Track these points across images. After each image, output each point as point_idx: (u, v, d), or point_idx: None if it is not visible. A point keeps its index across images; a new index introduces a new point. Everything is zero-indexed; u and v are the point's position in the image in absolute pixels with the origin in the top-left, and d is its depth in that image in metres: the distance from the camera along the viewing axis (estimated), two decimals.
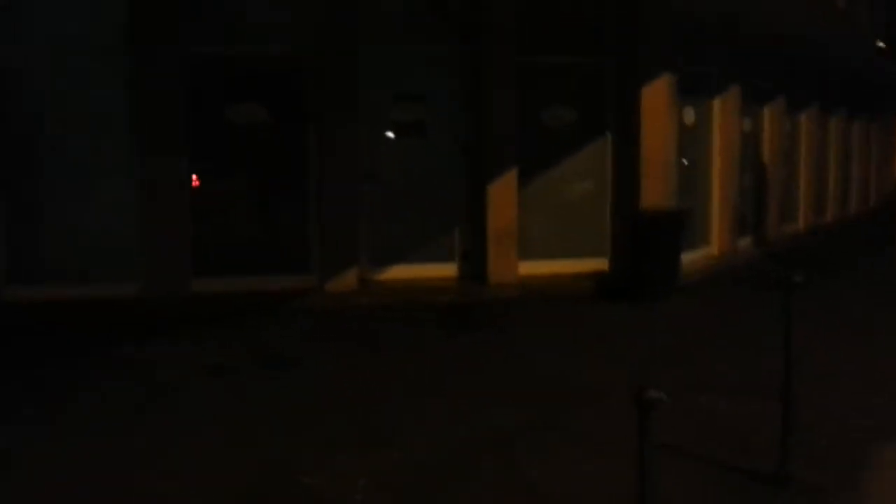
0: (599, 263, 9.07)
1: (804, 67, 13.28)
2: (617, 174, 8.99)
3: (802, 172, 13.89)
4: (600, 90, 9.04)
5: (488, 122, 8.45)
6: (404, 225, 8.64)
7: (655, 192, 8.69)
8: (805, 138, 13.91)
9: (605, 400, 4.86)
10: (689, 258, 9.14)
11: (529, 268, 8.78)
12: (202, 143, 7.90)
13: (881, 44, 14.17)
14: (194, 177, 7.90)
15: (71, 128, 7.63)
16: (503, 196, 8.49)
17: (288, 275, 8.12)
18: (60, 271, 7.63)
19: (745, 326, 6.93)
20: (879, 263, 10.97)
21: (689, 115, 9.90)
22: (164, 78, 7.65)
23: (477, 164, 8.59)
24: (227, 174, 8.15)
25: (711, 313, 7.60)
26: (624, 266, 8.47)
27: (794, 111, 13.29)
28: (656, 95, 8.64)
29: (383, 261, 8.55)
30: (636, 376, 5.37)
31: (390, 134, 8.65)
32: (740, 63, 10.64)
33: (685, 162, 9.84)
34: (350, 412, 4.74)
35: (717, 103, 10.43)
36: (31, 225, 7.71)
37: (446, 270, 8.77)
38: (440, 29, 8.61)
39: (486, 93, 8.44)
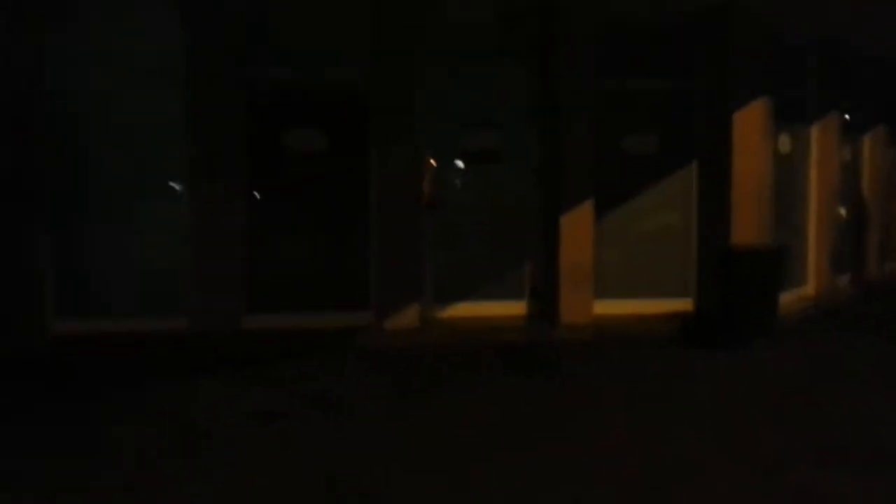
0: (684, 304, 8.30)
1: None
2: (704, 206, 8.22)
3: None
4: (687, 115, 8.31)
5: (563, 150, 7.82)
6: (470, 259, 8.05)
7: (748, 226, 7.88)
8: None
9: (703, 474, 4.12)
10: (784, 299, 8.27)
11: (605, 307, 8.07)
12: (258, 171, 7.51)
13: None
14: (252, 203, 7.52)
15: (123, 154, 7.34)
16: (578, 228, 7.82)
17: (345, 312, 7.62)
18: (108, 304, 7.30)
19: (853, 380, 6.06)
20: None
21: (785, 144, 9.06)
22: (222, 103, 7.31)
23: (550, 194, 7.96)
24: (284, 204, 7.71)
25: (814, 364, 6.71)
26: (713, 307, 7.67)
27: (893, 141, 12.22)
28: (749, 121, 7.86)
29: (447, 297, 7.98)
30: (735, 442, 4.61)
31: (459, 162, 8.11)
32: (839, 88, 9.75)
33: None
34: (407, 469, 4.13)
35: (814, 131, 9.54)
36: (80, 256, 7.40)
37: (515, 308, 8.12)
38: (513, 50, 8.07)
39: (562, 118, 7.82)
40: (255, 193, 7.54)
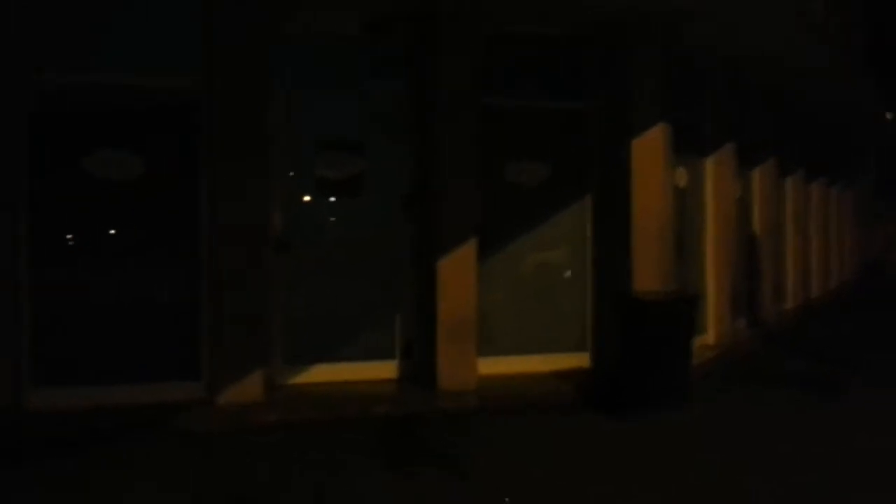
0: (580, 360, 7.20)
1: (796, 127, 11.91)
2: (602, 247, 7.18)
3: (789, 243, 12.37)
4: (582, 141, 7.28)
5: (441, 178, 6.57)
6: (328, 311, 6.62)
7: (650, 270, 6.89)
8: (791, 205, 12.44)
9: None
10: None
11: (491, 366, 6.83)
12: (49, 206, 5.82)
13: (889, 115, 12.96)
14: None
15: None
16: (458, 274, 6.56)
17: (167, 383, 5.98)
18: None
19: (786, 453, 5.07)
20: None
21: (681, 177, 8.21)
22: None
23: (425, 231, 6.67)
24: (84, 245, 6.03)
25: (737, 431, 5.71)
26: (614, 364, 6.57)
27: (782, 175, 11.82)
28: (650, 150, 6.92)
29: (300, 360, 6.50)
30: None
31: (311, 193, 6.71)
32: (735, 117, 9.09)
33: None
34: None
35: (710, 163, 8.79)
36: None
37: (383, 370, 6.74)
38: (385, 61, 6.81)
39: (439, 140, 6.58)
40: (44, 233, 5.82)
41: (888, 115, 13.30)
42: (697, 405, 6.25)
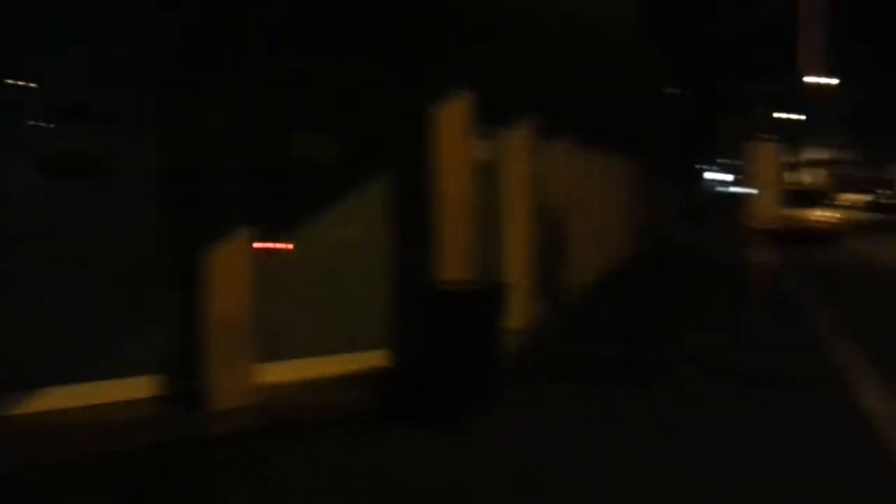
0: (381, 358, 6.35)
1: (594, 103, 11.78)
2: (402, 230, 6.34)
3: (587, 218, 12.34)
4: (379, 113, 6.36)
5: (205, 155, 5.38)
6: (60, 319, 5.23)
7: (455, 255, 6.17)
8: (589, 180, 12.38)
9: None
10: None
11: (277, 373, 5.82)
12: None
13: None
14: None
15: None
16: (228, 268, 5.42)
17: None
18: None
19: (612, 456, 4.55)
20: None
21: (485, 151, 7.58)
22: None
23: (186, 218, 5.46)
24: None
25: (562, 436, 5.15)
26: (418, 364, 5.79)
27: (580, 149, 11.67)
28: (455, 122, 6.15)
29: (31, 382, 5.08)
30: None
31: (43, 173, 5.26)
32: (536, 91, 8.60)
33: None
34: None
35: (512, 137, 8.25)
36: None
37: (138, 389, 5.47)
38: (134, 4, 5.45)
39: (204, 106, 5.37)
40: None
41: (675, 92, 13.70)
42: (510, 406, 5.62)
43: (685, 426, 5.30)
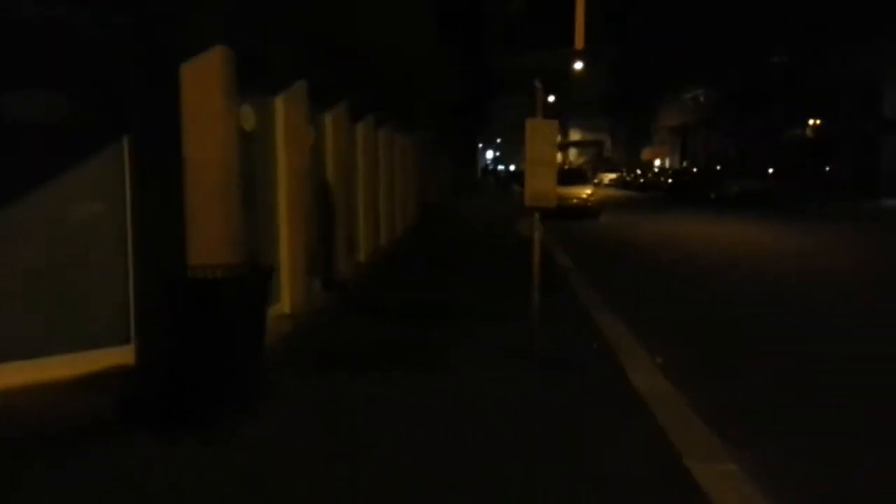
0: (123, 356, 5.44)
1: (368, 73, 11.28)
2: (146, 208, 5.44)
3: (361, 192, 11.90)
4: (111, 66, 5.37)
5: None
6: None
7: (211, 236, 5.41)
8: (361, 152, 11.93)
9: None
10: None
11: None
12: None
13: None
14: None
15: None
16: None
17: None
18: None
19: (390, 461, 4.14)
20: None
21: (248, 118, 6.81)
22: None
23: None
24: None
25: (325, 438, 4.64)
26: (165, 362, 5.00)
27: (352, 121, 11.16)
28: (209, 81, 5.35)
29: None
30: None
31: None
32: (308, 50, 7.93)
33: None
34: None
35: (280, 103, 7.53)
36: None
37: None
38: None
39: None
40: None
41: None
42: (271, 406, 5.03)
43: (455, 415, 5.03)
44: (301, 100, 7.71)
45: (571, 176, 27.25)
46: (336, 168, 9.73)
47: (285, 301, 7.49)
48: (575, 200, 24.15)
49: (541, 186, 6.30)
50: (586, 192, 24.74)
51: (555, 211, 20.59)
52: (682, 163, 58.30)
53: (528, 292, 6.45)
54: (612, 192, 44.00)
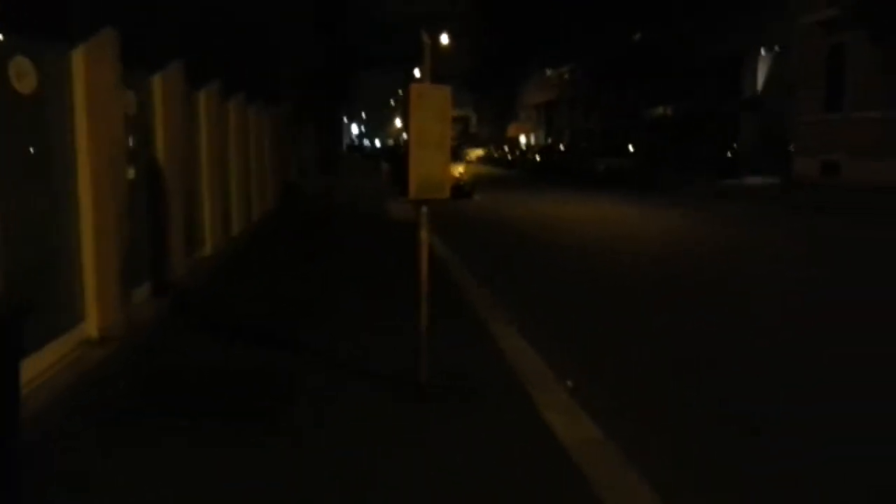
0: None
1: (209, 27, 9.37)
2: None
3: (205, 174, 9.97)
4: None
5: None
6: None
7: None
8: (204, 127, 9.99)
9: None
10: (37, 368, 4.39)
11: None
12: None
13: None
14: None
15: None
16: None
17: None
18: None
19: None
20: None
21: (24, 75, 4.90)
22: None
23: None
24: None
25: None
26: None
27: (189, 88, 9.21)
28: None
29: None
30: None
31: None
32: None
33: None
34: None
35: (80, 58, 5.62)
36: None
37: None
38: None
39: None
40: None
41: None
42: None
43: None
44: (109, 54, 5.81)
45: None
46: (168, 146, 7.82)
47: (91, 321, 5.64)
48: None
49: (430, 172, 4.83)
50: (459, 170, 23.46)
51: None
52: (546, 139, 58.60)
53: (403, 288, 4.99)
54: (480, 168, 43.14)
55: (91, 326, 5.63)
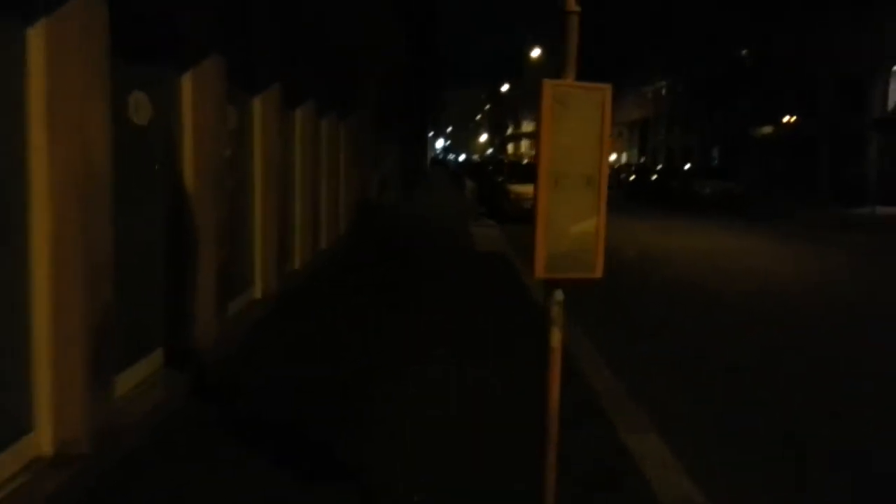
0: None
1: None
2: None
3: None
4: None
5: None
6: None
7: None
8: (267, 140, 8.17)
9: None
10: None
11: None
12: None
13: None
14: None
15: None
16: None
17: None
18: None
19: None
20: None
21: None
22: None
23: None
24: None
25: None
26: None
27: (247, 95, 7.42)
28: None
29: None
30: None
31: None
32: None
33: None
34: None
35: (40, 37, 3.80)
36: None
37: None
38: None
39: None
40: None
41: None
42: None
43: None
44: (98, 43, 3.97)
45: (536, 171, 23.74)
46: (200, 165, 5.97)
47: (43, 435, 3.77)
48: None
49: (570, 232, 2.76)
50: None
51: (516, 213, 16.77)
52: (640, 158, 55.52)
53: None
54: None
55: (43, 440, 3.76)
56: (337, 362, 6.04)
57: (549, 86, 2.73)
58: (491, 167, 35.13)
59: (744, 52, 37.17)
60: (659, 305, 9.42)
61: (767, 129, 34.00)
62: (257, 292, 7.89)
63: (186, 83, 5.64)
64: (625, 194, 37.15)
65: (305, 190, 10.26)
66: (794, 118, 30.90)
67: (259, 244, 8.00)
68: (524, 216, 21.55)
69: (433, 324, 7.46)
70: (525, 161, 41.74)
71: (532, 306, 8.24)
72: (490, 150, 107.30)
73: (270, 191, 8.09)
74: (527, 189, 20.71)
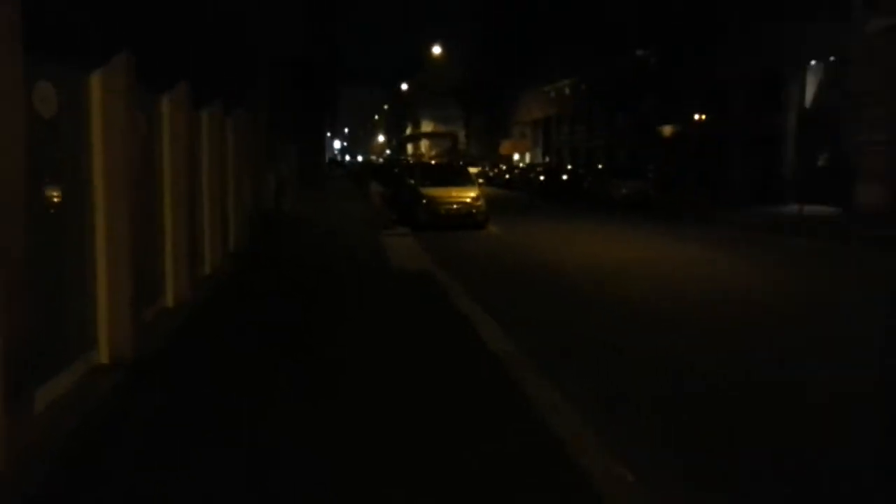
0: None
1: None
2: None
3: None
4: None
5: None
6: None
7: None
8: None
9: None
10: None
11: None
12: None
13: None
14: None
15: None
16: None
17: None
18: None
19: None
20: None
21: None
22: None
23: None
24: None
25: None
26: None
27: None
28: None
29: None
30: None
31: None
32: None
33: None
34: None
35: None
36: None
37: None
38: None
39: None
40: None
41: None
42: None
43: None
44: None
45: (451, 173, 22.35)
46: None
47: None
48: (457, 206, 19.32)
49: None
50: (471, 194, 19.83)
51: (432, 220, 15.27)
52: (544, 158, 55.30)
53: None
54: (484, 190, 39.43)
55: None
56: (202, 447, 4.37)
57: None
58: (397, 169, 33.67)
59: (640, 52, 37.19)
60: (609, 333, 8.24)
61: (672, 129, 33.97)
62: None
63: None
64: (536, 195, 36.43)
65: (181, 198, 8.04)
66: (703, 116, 30.86)
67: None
68: (440, 223, 20.13)
69: (348, 425, 4.87)
70: (434, 162, 40.35)
71: (490, 363, 6.35)
72: (388, 152, 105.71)
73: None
74: (441, 193, 19.34)
